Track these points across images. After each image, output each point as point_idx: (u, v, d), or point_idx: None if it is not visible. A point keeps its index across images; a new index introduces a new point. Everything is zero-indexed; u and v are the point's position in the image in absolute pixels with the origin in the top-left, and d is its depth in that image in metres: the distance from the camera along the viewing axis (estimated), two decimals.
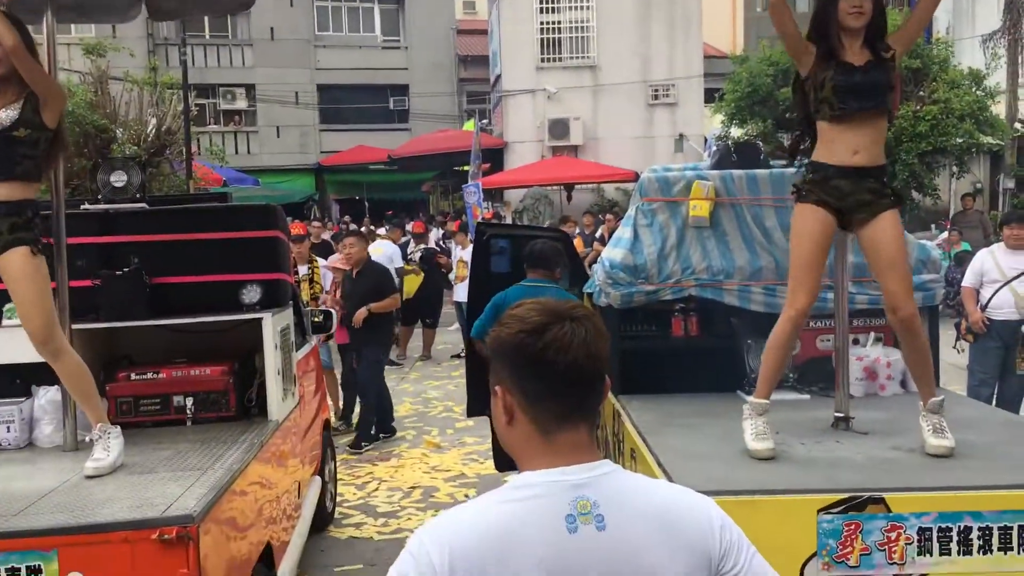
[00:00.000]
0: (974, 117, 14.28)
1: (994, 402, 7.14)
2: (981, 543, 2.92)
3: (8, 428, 4.02)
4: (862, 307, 4.54)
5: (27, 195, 3.54)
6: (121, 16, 5.24)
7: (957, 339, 7.76)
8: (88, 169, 13.58)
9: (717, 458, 3.44)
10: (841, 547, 2.93)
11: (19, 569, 2.83)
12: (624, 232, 4.74)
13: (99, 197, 4.80)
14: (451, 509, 1.52)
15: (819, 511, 2.94)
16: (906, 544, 2.93)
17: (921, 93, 14.66)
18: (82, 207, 4.68)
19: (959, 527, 2.93)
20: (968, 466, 3.24)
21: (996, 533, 2.92)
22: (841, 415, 3.80)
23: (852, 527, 2.94)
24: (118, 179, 4.73)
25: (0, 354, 4.14)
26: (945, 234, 14.88)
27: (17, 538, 2.85)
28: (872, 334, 4.60)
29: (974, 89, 14.73)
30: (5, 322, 4.27)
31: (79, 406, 3.76)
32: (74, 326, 4.06)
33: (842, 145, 3.45)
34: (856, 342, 4.67)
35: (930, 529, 2.93)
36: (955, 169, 15.91)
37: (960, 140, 14.38)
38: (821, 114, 3.51)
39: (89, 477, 3.43)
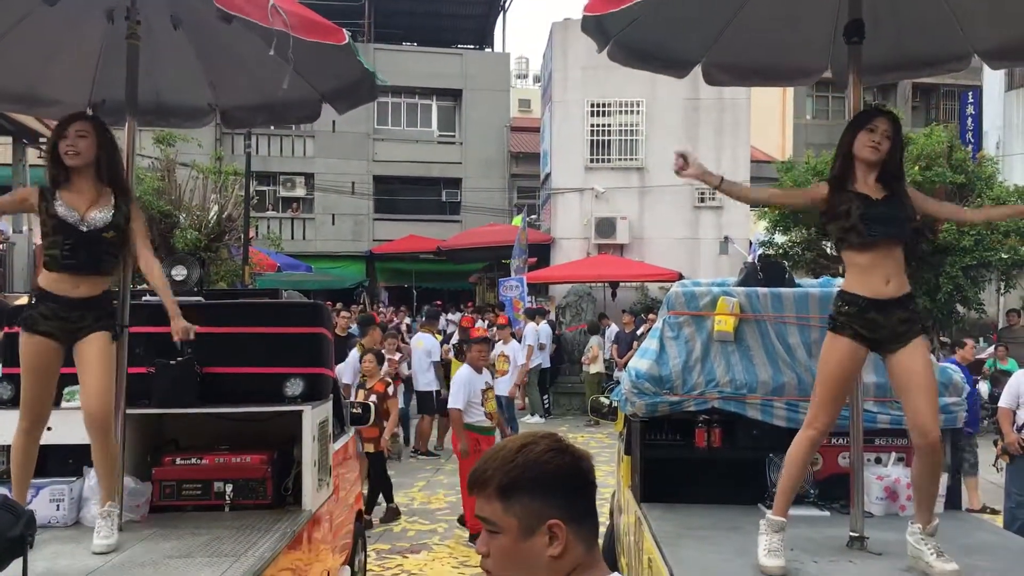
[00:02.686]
0: (1019, 233, 14.30)
1: None
2: None
3: (58, 507, 4.26)
4: (884, 427, 4.64)
5: (107, 287, 3.96)
6: (197, 123, 5.68)
7: (996, 458, 7.71)
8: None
9: (728, 574, 3.53)
10: None
11: None
12: (651, 343, 4.92)
13: None
14: None
15: None
16: None
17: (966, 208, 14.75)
18: (143, 299, 5.00)
19: None
20: None
21: None
22: (856, 535, 3.87)
23: None
24: (179, 273, 5.05)
25: (57, 435, 4.39)
26: (992, 348, 14.77)
27: None
28: (893, 454, 4.67)
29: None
30: (64, 404, 4.54)
31: (100, 481, 3.95)
32: (128, 411, 4.33)
33: (873, 275, 3.61)
34: (878, 461, 4.75)
35: None
36: (1000, 284, 15.86)
37: (1005, 256, 14.38)
38: (848, 243, 3.68)
39: (98, 554, 3.66)
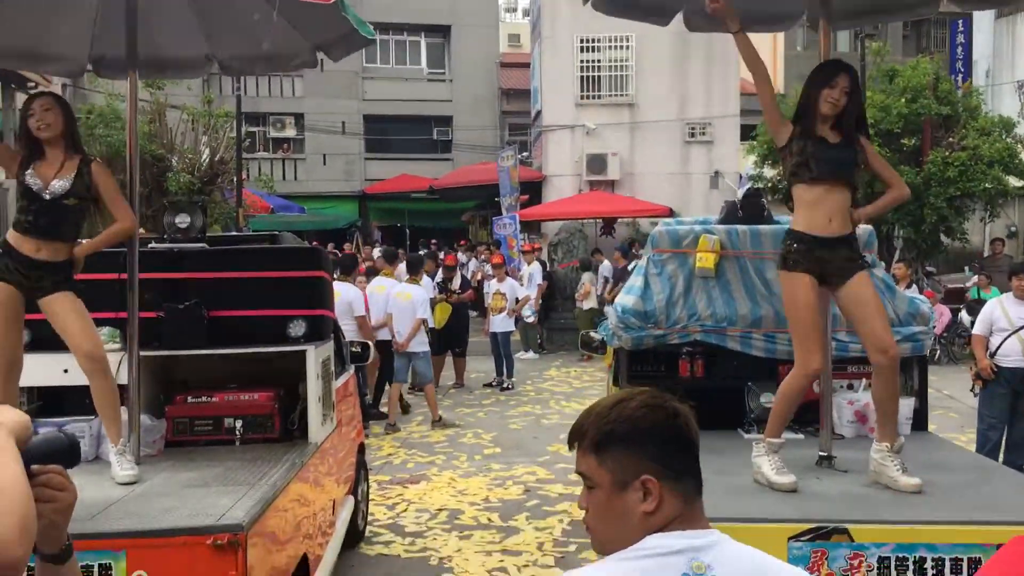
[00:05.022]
0: (1003, 163, 14.51)
1: (1003, 446, 7.41)
2: (934, 572, 3.27)
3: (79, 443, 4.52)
4: (855, 355, 4.91)
5: (68, 255, 4.15)
6: (195, 73, 5.85)
7: (973, 384, 8.01)
8: (145, 196, 14.33)
9: (707, 490, 3.81)
10: (809, 572, 3.30)
11: (92, 567, 3.27)
12: (636, 280, 5.16)
13: (164, 236, 5.33)
14: (587, 568, 1.63)
15: (789, 539, 3.31)
16: (867, 571, 3.29)
17: (951, 139, 14.91)
18: (149, 246, 5.20)
19: (915, 557, 3.29)
20: (929, 503, 3.59)
21: (948, 564, 3.27)
22: (824, 454, 4.16)
23: (819, 554, 3.31)
24: (182, 221, 5.26)
25: (73, 376, 4.64)
26: (976, 277, 15.08)
27: (92, 539, 3.30)
28: (864, 380, 4.95)
29: (1004, 136, 14.95)
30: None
31: (106, 424, 4.21)
32: (141, 352, 4.58)
33: (819, 213, 3.84)
34: (850, 387, 5.04)
35: (889, 558, 3.29)
36: (985, 214, 16.11)
37: (989, 186, 14.60)
38: (798, 176, 3.90)
39: (126, 483, 3.96)
